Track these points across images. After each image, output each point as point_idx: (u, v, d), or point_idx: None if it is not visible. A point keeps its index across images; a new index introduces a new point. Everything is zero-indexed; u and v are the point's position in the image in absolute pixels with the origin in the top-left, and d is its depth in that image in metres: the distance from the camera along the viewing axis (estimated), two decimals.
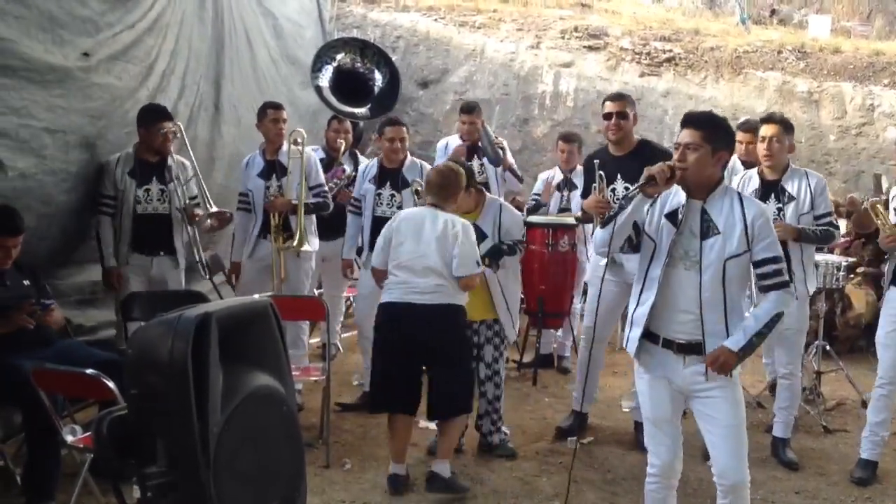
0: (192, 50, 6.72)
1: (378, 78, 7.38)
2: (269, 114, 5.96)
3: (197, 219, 5.57)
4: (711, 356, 3.46)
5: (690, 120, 3.58)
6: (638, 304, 3.64)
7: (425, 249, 4.52)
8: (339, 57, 7.23)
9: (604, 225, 3.56)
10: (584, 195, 5.55)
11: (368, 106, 7.26)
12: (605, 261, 5.21)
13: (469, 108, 7.14)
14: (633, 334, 3.63)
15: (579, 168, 6.79)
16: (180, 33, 6.48)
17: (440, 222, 4.56)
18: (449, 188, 4.70)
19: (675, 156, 3.54)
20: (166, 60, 6.25)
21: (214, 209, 5.59)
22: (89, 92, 5.29)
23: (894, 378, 4.92)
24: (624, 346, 3.70)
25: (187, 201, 5.53)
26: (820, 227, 5.02)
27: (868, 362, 5.11)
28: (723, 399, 3.52)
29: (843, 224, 7.74)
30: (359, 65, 7.13)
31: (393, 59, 11.49)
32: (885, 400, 4.95)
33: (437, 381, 4.59)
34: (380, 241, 4.71)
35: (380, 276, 4.75)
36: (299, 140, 5.98)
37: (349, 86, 7.01)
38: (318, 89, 7.09)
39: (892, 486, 4.91)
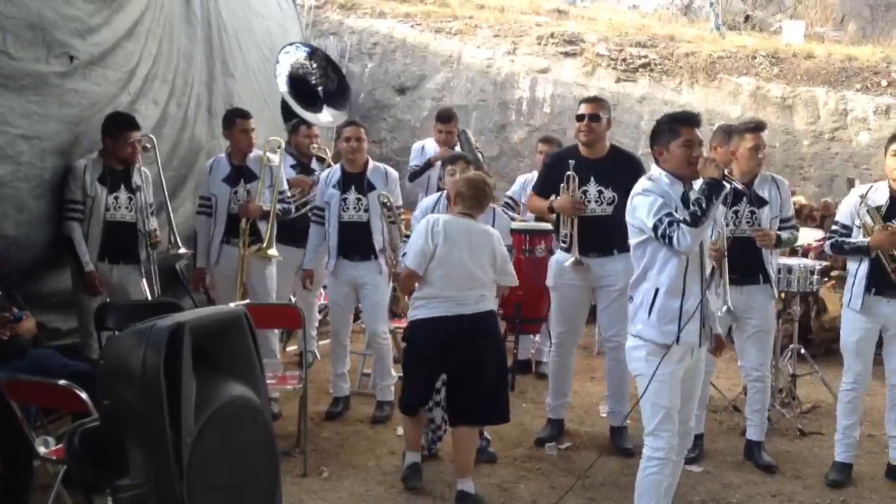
0: (181, 52, 6.70)
1: (328, 83, 7.31)
2: (238, 123, 5.91)
3: (158, 244, 5.58)
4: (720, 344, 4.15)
5: (698, 120, 3.93)
6: (684, 296, 3.79)
7: (474, 260, 4.53)
8: (291, 64, 7.15)
9: (695, 224, 3.65)
10: (542, 191, 5.57)
11: (329, 111, 7.19)
12: (569, 261, 5.26)
13: (445, 118, 7.09)
14: (692, 327, 3.80)
15: None
16: (164, 36, 6.44)
17: (483, 232, 4.62)
18: (483, 199, 4.70)
19: (697, 151, 3.84)
20: (149, 65, 6.21)
21: (182, 250, 5.60)
22: (66, 98, 5.27)
23: (863, 382, 5.00)
24: (675, 342, 3.77)
25: (146, 209, 5.50)
26: (788, 231, 5.10)
27: (842, 365, 5.14)
28: (702, 372, 4.14)
29: (808, 230, 7.82)
30: (308, 70, 7.08)
31: (369, 65, 11.58)
32: (856, 402, 5.00)
33: (476, 387, 4.53)
34: (419, 243, 4.54)
35: (415, 280, 4.60)
36: (276, 148, 5.96)
37: (302, 91, 6.95)
38: (283, 96, 7.01)
39: (867, 488, 4.94)
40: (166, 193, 5.77)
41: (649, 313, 3.82)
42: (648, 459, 3.84)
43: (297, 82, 6.79)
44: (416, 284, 4.61)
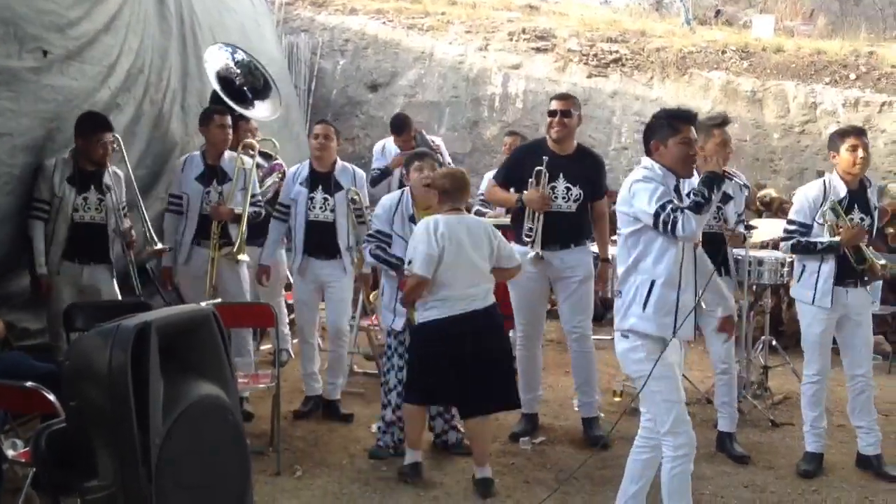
0: (155, 47, 6.64)
1: (254, 82, 7.19)
2: (215, 119, 5.82)
3: (134, 244, 5.54)
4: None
5: (696, 118, 3.99)
6: (680, 288, 3.77)
7: (477, 255, 4.58)
8: (219, 65, 7.03)
9: (698, 212, 3.66)
10: (505, 181, 5.59)
11: (263, 105, 7.05)
12: (531, 255, 5.27)
13: (398, 129, 7.10)
14: (689, 319, 3.79)
15: None
16: (144, 31, 6.40)
17: (478, 227, 4.67)
18: (465, 190, 4.77)
19: (694, 149, 3.88)
20: (130, 59, 6.16)
21: (158, 246, 5.57)
22: (41, 94, 5.22)
23: (826, 373, 5.08)
24: (671, 335, 3.76)
25: (119, 210, 5.44)
26: (741, 224, 5.20)
27: None
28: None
29: (780, 223, 7.87)
30: (232, 71, 6.97)
31: (341, 62, 11.53)
32: (820, 393, 5.07)
33: (485, 377, 4.61)
34: (423, 249, 4.50)
35: (424, 287, 4.55)
36: (252, 151, 5.91)
37: (232, 91, 6.86)
38: (215, 92, 6.91)
39: (837, 477, 5.00)
40: (138, 192, 5.70)
41: (644, 306, 3.76)
42: (673, 459, 3.77)
43: (225, 83, 6.71)
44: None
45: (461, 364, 4.58)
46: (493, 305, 4.67)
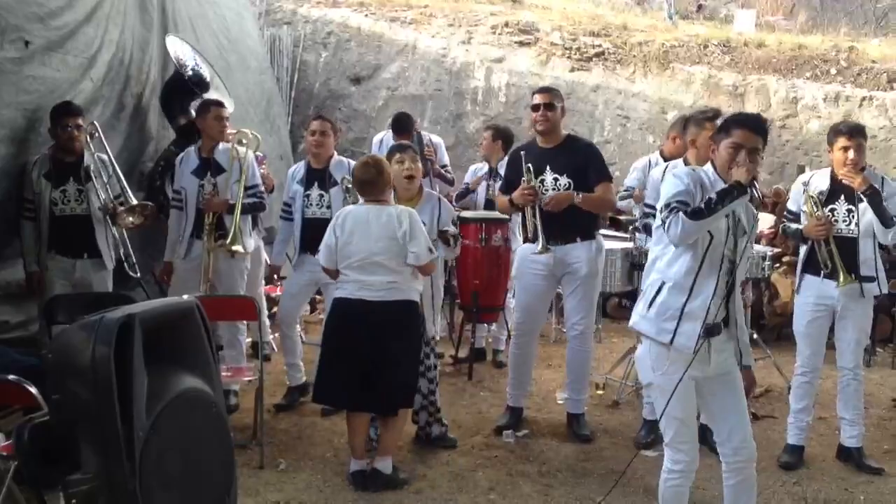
0: (136, 38, 6.61)
1: (202, 74, 7.15)
2: (212, 111, 5.78)
3: (117, 216, 5.45)
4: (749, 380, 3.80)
5: (758, 124, 3.62)
6: (690, 295, 3.54)
7: (374, 247, 4.50)
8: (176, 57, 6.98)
9: (695, 217, 3.39)
10: (505, 189, 5.58)
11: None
12: (537, 250, 5.28)
13: (401, 129, 7.21)
14: (689, 328, 3.53)
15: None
16: (125, 23, 6.37)
17: (384, 217, 4.55)
18: (374, 182, 4.63)
19: (742, 157, 3.51)
20: (112, 51, 6.14)
21: (135, 202, 5.46)
22: (23, 85, 5.20)
23: (815, 366, 5.09)
24: (668, 341, 3.56)
25: (112, 200, 5.40)
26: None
27: (795, 350, 5.23)
28: (738, 377, 3.72)
29: (768, 217, 7.95)
30: (184, 66, 6.93)
31: (324, 55, 11.51)
32: (807, 387, 5.09)
33: (380, 378, 4.54)
34: (326, 239, 4.61)
35: (332, 275, 4.72)
36: (244, 140, 5.89)
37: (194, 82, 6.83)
38: (170, 82, 6.88)
39: (818, 470, 5.03)
40: (121, 175, 5.62)
41: (649, 307, 3.63)
42: (669, 472, 3.69)
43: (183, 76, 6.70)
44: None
45: (357, 353, 4.52)
46: (399, 304, 4.57)
